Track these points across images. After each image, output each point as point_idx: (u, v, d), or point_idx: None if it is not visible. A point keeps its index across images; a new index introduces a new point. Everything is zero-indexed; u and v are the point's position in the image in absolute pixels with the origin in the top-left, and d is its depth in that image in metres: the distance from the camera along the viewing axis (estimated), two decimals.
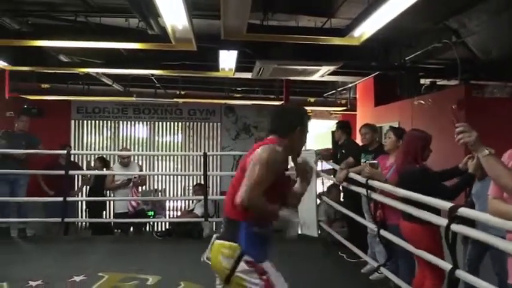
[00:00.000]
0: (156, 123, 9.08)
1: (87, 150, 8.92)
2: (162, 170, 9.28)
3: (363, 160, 4.78)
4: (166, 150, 9.29)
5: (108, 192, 7.09)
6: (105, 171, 6.99)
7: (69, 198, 5.97)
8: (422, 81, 7.00)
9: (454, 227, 2.73)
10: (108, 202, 7.58)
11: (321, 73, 6.59)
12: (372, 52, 6.63)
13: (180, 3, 3.69)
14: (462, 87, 5.25)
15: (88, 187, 7.46)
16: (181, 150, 9.24)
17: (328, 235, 5.56)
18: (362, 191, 4.30)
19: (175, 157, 9.34)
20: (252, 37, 4.94)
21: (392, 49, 6.70)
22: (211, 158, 8.60)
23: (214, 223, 6.96)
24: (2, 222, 5.92)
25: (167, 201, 8.66)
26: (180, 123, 9.13)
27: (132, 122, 9.03)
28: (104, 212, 7.58)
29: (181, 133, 9.19)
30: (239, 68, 6.79)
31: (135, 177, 6.43)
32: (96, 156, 7.67)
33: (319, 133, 10.70)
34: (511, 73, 5.60)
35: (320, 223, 5.72)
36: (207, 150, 8.86)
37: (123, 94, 9.71)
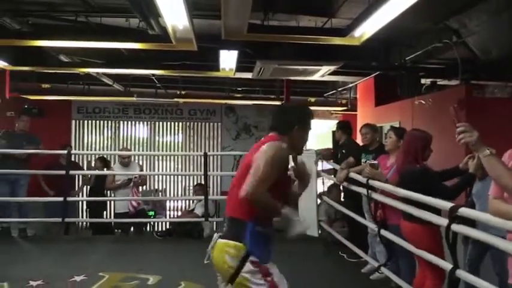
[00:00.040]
0: (157, 123, 9.09)
1: (87, 150, 8.93)
2: (162, 170, 9.28)
3: (363, 160, 4.78)
4: (166, 150, 9.29)
5: (108, 192, 7.09)
6: (105, 171, 6.99)
7: (69, 198, 5.98)
8: (422, 81, 7.00)
9: (455, 227, 2.73)
10: (108, 202, 7.58)
11: (322, 73, 6.59)
12: (372, 52, 6.63)
13: (181, 3, 3.69)
14: (463, 87, 5.25)
15: (88, 187, 7.47)
16: (181, 150, 9.24)
17: (329, 235, 5.56)
18: (362, 190, 4.30)
19: (176, 157, 9.35)
20: (253, 37, 4.94)
21: (393, 49, 6.70)
22: (211, 158, 8.60)
23: (214, 223, 6.96)
24: (2, 222, 5.93)
25: (168, 201, 8.67)
26: (180, 123, 9.14)
27: (133, 122, 9.04)
28: (105, 212, 7.59)
29: (182, 133, 9.19)
30: (239, 68, 6.79)
31: (135, 177, 6.43)
32: (97, 156, 7.68)
33: (320, 133, 10.72)
34: (511, 73, 5.60)
35: (320, 223, 5.72)
36: (208, 150, 8.87)
37: (123, 94, 9.72)
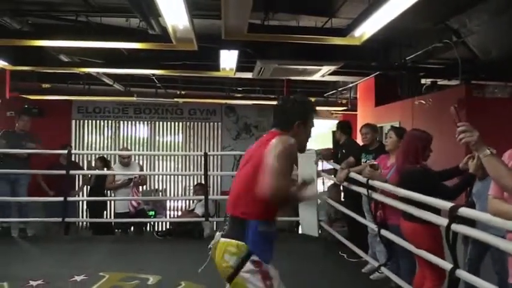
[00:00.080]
0: (157, 123, 9.08)
1: (87, 150, 8.92)
2: (162, 170, 9.28)
3: (363, 160, 4.78)
4: (166, 150, 9.29)
5: (108, 192, 7.09)
6: (105, 171, 6.99)
7: (69, 198, 5.98)
8: (423, 81, 7.00)
9: (455, 226, 2.73)
10: (108, 202, 7.58)
11: (322, 73, 6.59)
12: (372, 52, 6.64)
13: (181, 3, 3.69)
14: (463, 87, 5.25)
15: (89, 187, 7.47)
16: (181, 150, 9.23)
17: (329, 235, 5.56)
18: (363, 190, 4.30)
19: (176, 157, 9.34)
20: (253, 37, 4.95)
21: (393, 49, 6.70)
22: (211, 157, 8.60)
23: (214, 223, 6.96)
24: (2, 222, 5.93)
25: (168, 201, 8.66)
26: (180, 123, 9.12)
27: (133, 122, 9.03)
28: (105, 212, 7.59)
29: (182, 133, 9.18)
30: (240, 68, 6.80)
31: (135, 177, 6.43)
32: (97, 156, 7.68)
33: (320, 133, 10.71)
34: (511, 73, 5.60)
35: (320, 223, 5.72)
36: (208, 150, 8.86)
37: (123, 94, 9.73)
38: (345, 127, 5.56)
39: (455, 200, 3.19)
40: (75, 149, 8.47)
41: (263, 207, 2.12)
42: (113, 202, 7.27)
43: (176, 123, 9.14)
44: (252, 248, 2.10)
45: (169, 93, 10.14)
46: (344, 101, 10.62)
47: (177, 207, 8.73)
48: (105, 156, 7.72)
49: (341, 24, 5.07)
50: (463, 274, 2.80)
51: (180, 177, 9.37)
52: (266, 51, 6.08)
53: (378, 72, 7.13)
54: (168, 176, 9.31)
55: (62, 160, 6.77)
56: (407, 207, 3.34)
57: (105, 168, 7.12)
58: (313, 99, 10.51)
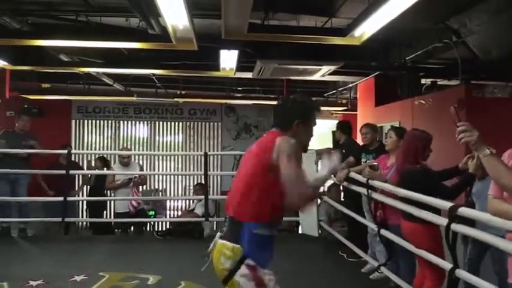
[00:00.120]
0: (157, 122, 9.08)
1: (87, 149, 8.92)
2: (162, 170, 9.28)
3: (363, 160, 4.79)
4: (166, 150, 9.29)
5: (108, 191, 7.09)
6: (105, 171, 6.99)
7: (69, 198, 5.98)
8: (422, 81, 7.00)
9: (454, 226, 2.73)
10: (108, 202, 7.58)
11: (322, 73, 6.59)
12: (372, 52, 6.64)
13: (181, 3, 3.70)
14: (463, 87, 5.25)
15: (88, 187, 7.47)
16: (181, 150, 9.23)
17: (329, 234, 5.56)
18: (362, 190, 4.30)
19: (176, 157, 9.34)
20: (253, 37, 4.95)
21: (393, 49, 6.70)
22: (211, 157, 8.60)
23: (214, 223, 6.96)
24: (2, 222, 5.93)
25: (168, 201, 8.66)
26: (180, 123, 9.12)
27: (133, 122, 9.03)
28: (105, 212, 7.59)
29: (182, 133, 9.18)
30: (240, 68, 6.80)
31: (135, 177, 6.43)
32: (97, 155, 7.68)
33: (320, 133, 10.70)
34: (511, 73, 5.60)
35: (320, 223, 5.73)
36: (208, 150, 8.85)
37: (123, 94, 9.73)
38: (345, 127, 5.56)
39: (455, 200, 3.19)
40: (75, 148, 8.47)
41: (267, 209, 2.07)
42: (112, 202, 7.27)
43: (176, 123, 9.14)
44: (248, 251, 2.05)
45: (169, 93, 10.14)
46: (344, 101, 10.62)
47: (177, 207, 8.73)
48: (105, 156, 7.72)
49: (341, 24, 5.07)
50: (462, 274, 2.80)
51: (180, 177, 9.36)
52: (266, 51, 6.08)
53: (377, 72, 7.13)
54: (168, 176, 9.31)
55: (61, 160, 6.77)
56: (407, 207, 3.34)
57: (105, 168, 7.12)
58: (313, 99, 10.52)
